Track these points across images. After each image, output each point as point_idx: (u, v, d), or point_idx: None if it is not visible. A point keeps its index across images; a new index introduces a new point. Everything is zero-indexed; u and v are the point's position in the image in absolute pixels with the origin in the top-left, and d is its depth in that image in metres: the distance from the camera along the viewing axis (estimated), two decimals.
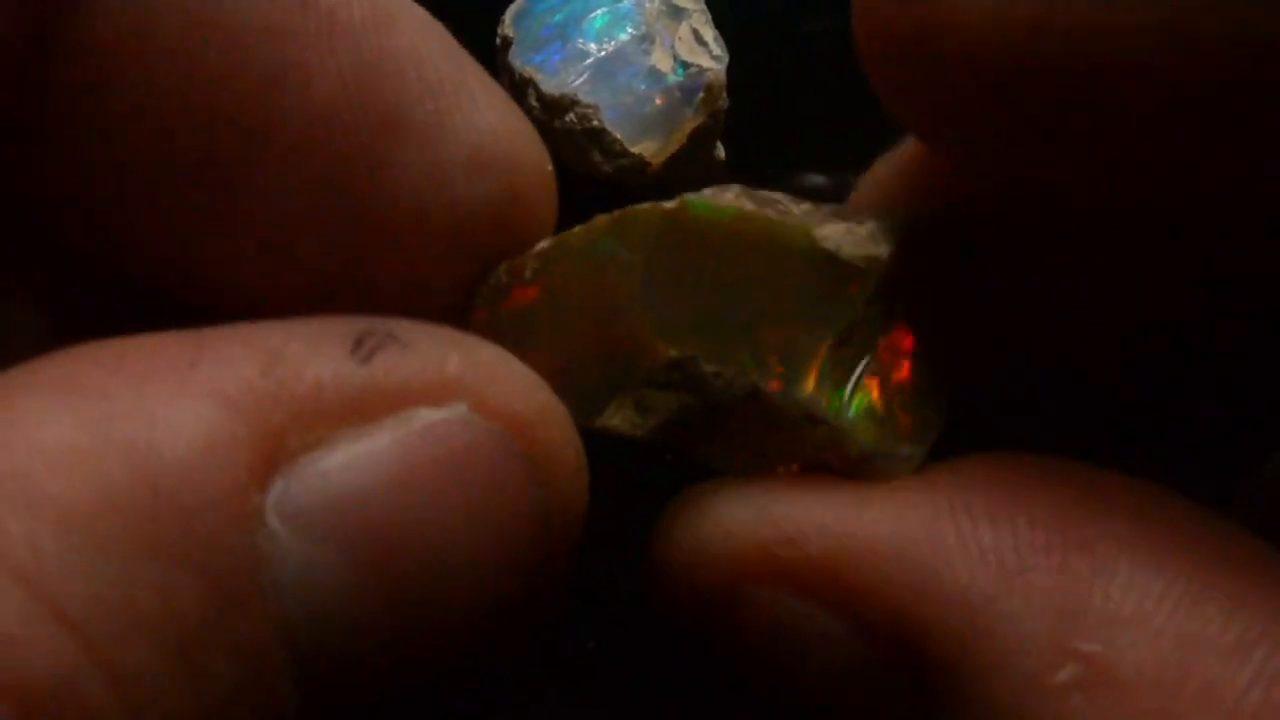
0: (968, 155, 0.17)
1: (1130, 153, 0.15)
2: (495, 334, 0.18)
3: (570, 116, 0.32)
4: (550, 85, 0.33)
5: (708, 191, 0.18)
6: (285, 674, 0.14)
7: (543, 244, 0.19)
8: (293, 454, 0.15)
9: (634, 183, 0.33)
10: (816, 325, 0.17)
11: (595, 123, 0.32)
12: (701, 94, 0.33)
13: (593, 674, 0.27)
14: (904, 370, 0.18)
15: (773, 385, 0.17)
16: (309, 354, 0.15)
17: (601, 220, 0.18)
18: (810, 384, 0.17)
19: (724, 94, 0.33)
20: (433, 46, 0.18)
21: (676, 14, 0.34)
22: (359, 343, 0.16)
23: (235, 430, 0.14)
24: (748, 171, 0.36)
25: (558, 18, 0.34)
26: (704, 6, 0.35)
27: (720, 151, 0.35)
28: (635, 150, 0.32)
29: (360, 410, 0.15)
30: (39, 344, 0.15)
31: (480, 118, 0.18)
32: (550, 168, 0.20)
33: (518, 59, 0.34)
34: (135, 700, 0.13)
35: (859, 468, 0.17)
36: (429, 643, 0.16)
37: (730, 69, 0.34)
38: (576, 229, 0.19)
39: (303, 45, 0.17)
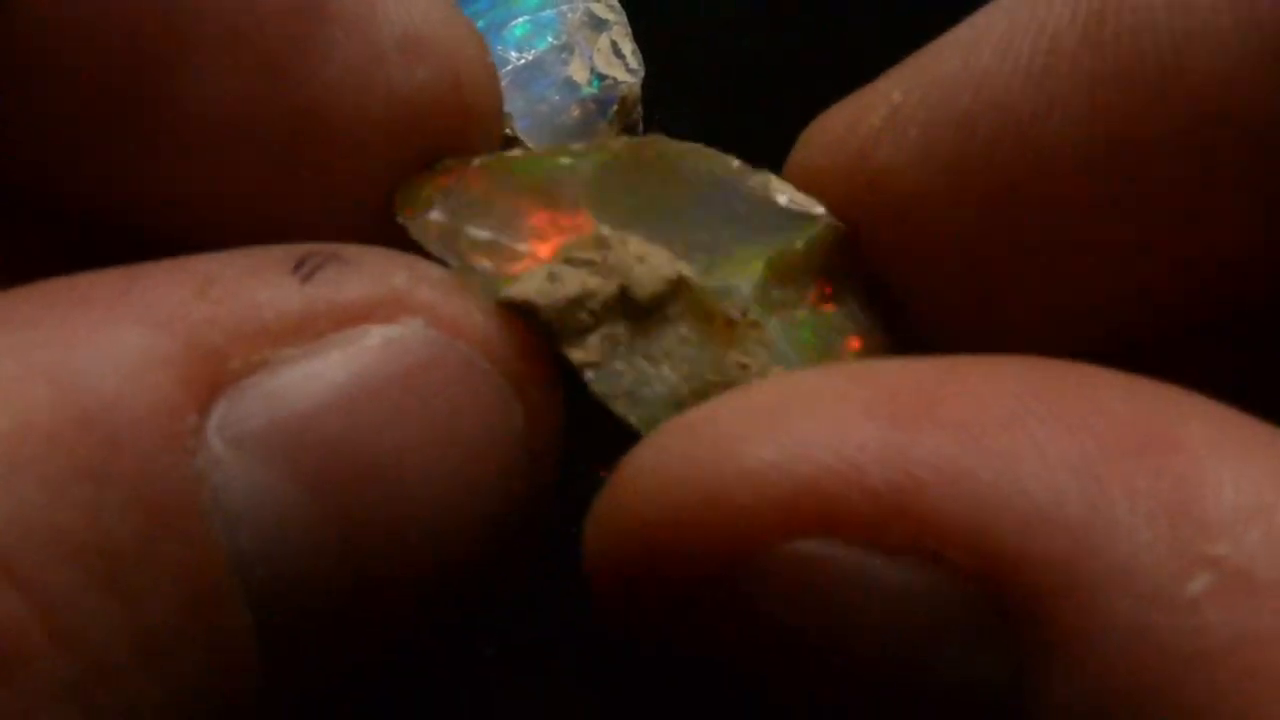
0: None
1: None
2: (425, 209, 0.17)
3: None
4: None
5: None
6: (239, 609, 0.13)
7: (488, 155, 0.18)
8: (235, 375, 0.14)
9: None
10: (752, 248, 0.17)
11: (509, 130, 0.32)
12: (616, 106, 0.33)
13: (576, 667, 0.26)
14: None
15: (697, 276, 0.17)
16: (246, 275, 0.15)
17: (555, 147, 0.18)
18: (739, 281, 0.16)
19: (639, 108, 0.33)
20: None
21: (598, 25, 0.34)
22: (299, 263, 0.15)
23: (166, 350, 0.14)
24: None
25: (480, 24, 0.34)
26: (625, 20, 0.35)
27: None
28: None
29: (305, 329, 0.15)
30: None
31: (413, 1, 0.17)
32: (490, 59, 0.19)
33: None
34: (63, 625, 0.12)
35: None
36: (397, 578, 0.15)
37: (651, 83, 0.34)
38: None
39: None
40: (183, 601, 0.13)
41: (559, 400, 0.17)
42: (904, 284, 0.17)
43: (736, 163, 0.18)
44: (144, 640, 0.13)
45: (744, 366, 0.16)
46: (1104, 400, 0.14)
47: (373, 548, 0.14)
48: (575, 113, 0.32)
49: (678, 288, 0.16)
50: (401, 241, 0.17)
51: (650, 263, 0.16)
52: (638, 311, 0.16)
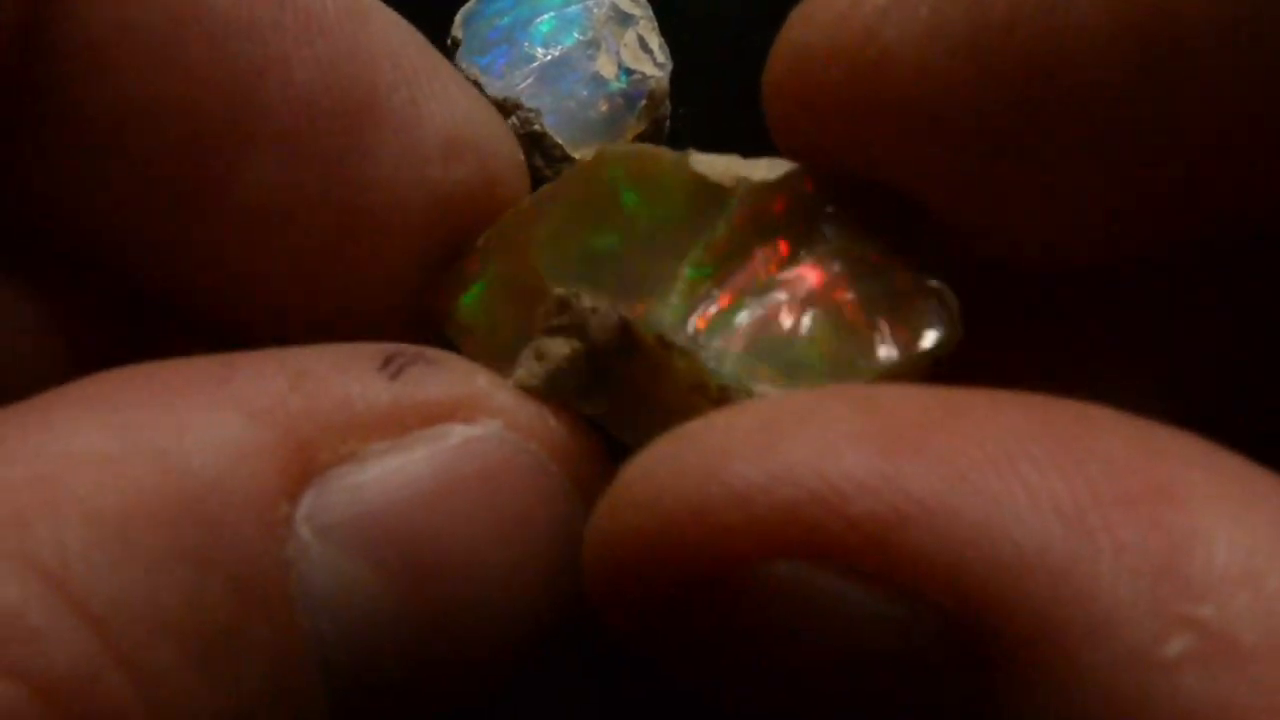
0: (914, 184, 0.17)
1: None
2: (450, 323, 0.19)
3: (513, 120, 0.32)
4: (495, 88, 0.33)
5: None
6: (316, 686, 0.14)
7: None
8: (324, 466, 0.15)
9: None
10: (681, 249, 0.17)
11: (537, 127, 0.32)
12: (644, 101, 0.33)
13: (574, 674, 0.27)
14: (795, 311, 0.17)
15: (637, 311, 0.17)
16: (338, 371, 0.16)
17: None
18: (670, 311, 0.16)
19: (666, 102, 0.33)
20: (404, 38, 0.19)
21: (624, 20, 0.34)
22: (388, 361, 0.16)
23: (264, 440, 0.14)
24: None
25: (505, 20, 0.34)
26: (651, 14, 0.35)
27: None
28: (576, 155, 0.32)
29: (392, 425, 0.15)
30: (41, 346, 0.16)
31: (453, 104, 0.19)
32: (521, 156, 0.20)
33: (464, 61, 0.34)
34: (159, 699, 0.13)
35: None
36: (461, 660, 0.15)
37: (679, 77, 0.34)
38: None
39: (282, 38, 0.17)
40: (268, 681, 0.14)
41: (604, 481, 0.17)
42: (911, 177, 0.17)
43: (670, 156, 0.18)
44: (232, 718, 0.13)
45: (697, 388, 0.17)
46: (1104, 445, 0.13)
47: (442, 633, 0.15)
48: (603, 108, 0.33)
49: (624, 331, 0.17)
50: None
51: (600, 313, 0.17)
52: (607, 360, 0.17)
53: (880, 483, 0.13)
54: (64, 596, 0.12)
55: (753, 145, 0.39)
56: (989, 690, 0.13)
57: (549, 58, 0.33)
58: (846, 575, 0.13)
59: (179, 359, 0.15)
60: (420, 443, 0.15)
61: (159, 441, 0.14)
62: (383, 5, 0.19)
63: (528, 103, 0.32)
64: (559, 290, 0.18)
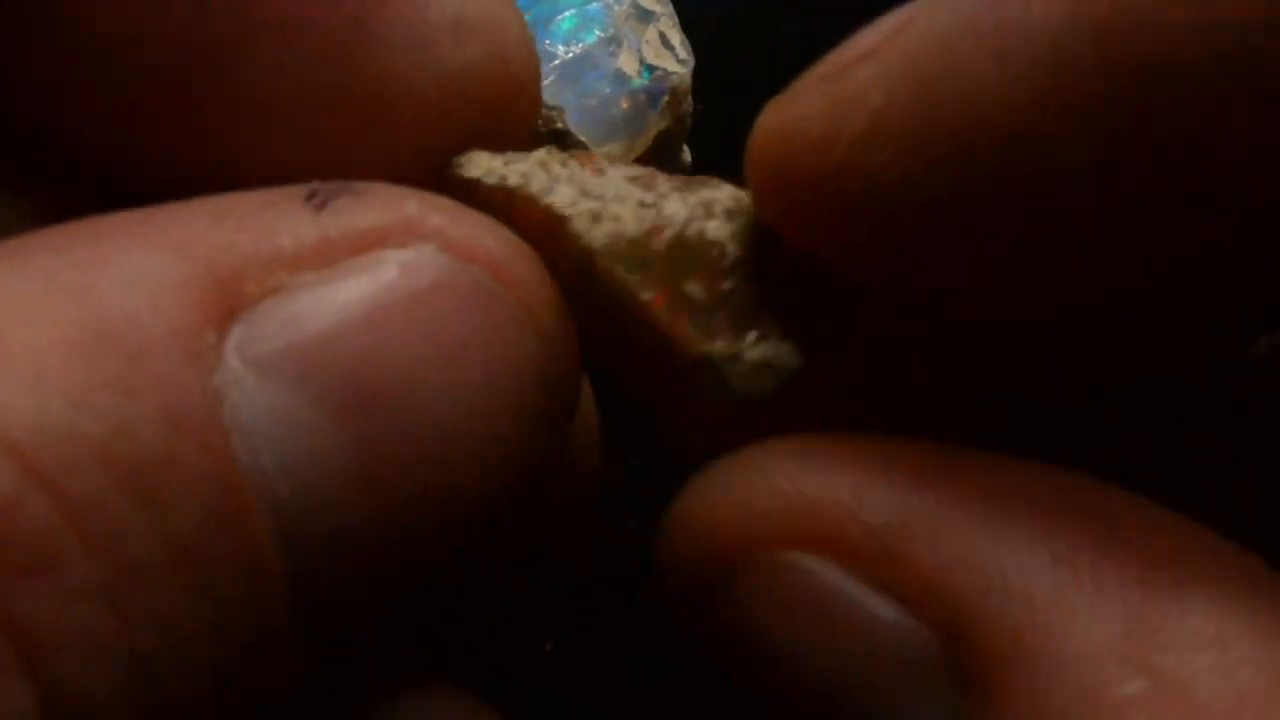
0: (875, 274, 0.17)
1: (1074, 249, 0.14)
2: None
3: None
4: None
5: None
6: (264, 525, 0.14)
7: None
8: (252, 299, 0.14)
9: None
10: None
11: (560, 125, 0.32)
12: (666, 98, 0.33)
13: (560, 669, 0.27)
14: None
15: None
16: (262, 207, 0.15)
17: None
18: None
19: (689, 98, 0.33)
20: None
21: (645, 17, 0.34)
22: (312, 194, 0.15)
23: (184, 271, 0.14)
24: (714, 175, 0.36)
25: (526, 18, 0.34)
26: (672, 10, 0.35)
27: (687, 155, 0.35)
28: (600, 153, 0.32)
29: (320, 255, 0.15)
30: None
31: None
32: (530, 37, 0.19)
33: None
34: (91, 525, 0.12)
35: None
36: (419, 500, 0.15)
37: (701, 73, 0.34)
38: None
39: None
40: (209, 511, 0.13)
41: (571, 328, 0.17)
42: (869, 287, 0.17)
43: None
44: (171, 545, 0.13)
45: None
46: (1119, 513, 0.14)
47: (391, 469, 0.14)
48: (625, 105, 0.33)
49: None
50: None
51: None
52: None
53: (899, 498, 0.15)
54: None
55: None
56: (968, 712, 0.14)
57: (570, 55, 0.33)
58: (850, 576, 0.15)
59: (106, 214, 0.15)
60: (350, 271, 0.15)
61: (74, 278, 0.13)
62: None
63: (550, 101, 0.32)
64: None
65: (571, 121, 0.32)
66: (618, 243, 0.17)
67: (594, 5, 0.34)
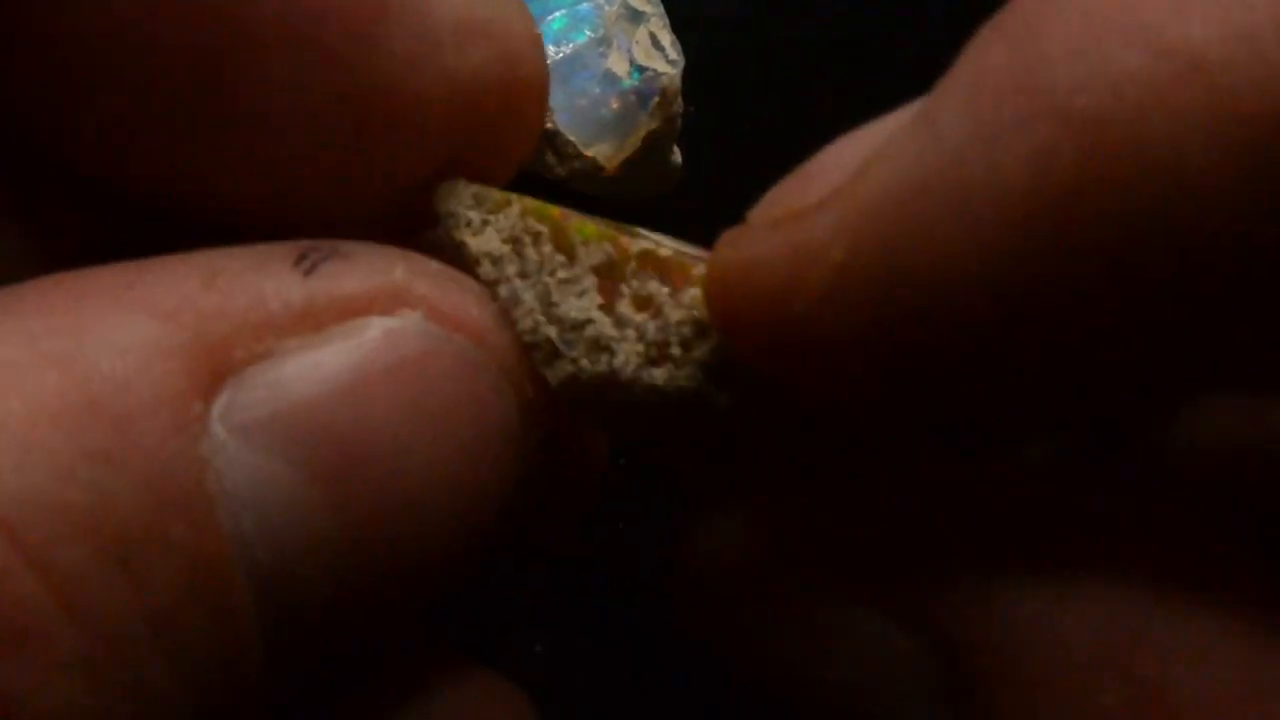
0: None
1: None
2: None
3: None
4: None
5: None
6: (242, 589, 0.14)
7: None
8: (239, 365, 0.14)
9: (587, 186, 0.33)
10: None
11: (549, 125, 0.32)
12: (656, 98, 0.33)
13: (541, 679, 0.27)
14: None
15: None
16: (250, 270, 0.15)
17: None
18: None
19: (679, 99, 0.33)
20: None
21: (635, 17, 0.34)
22: (301, 257, 0.15)
23: (172, 338, 0.14)
24: (705, 177, 0.36)
25: None
26: (663, 11, 0.35)
27: (677, 156, 0.35)
28: (589, 153, 0.32)
29: (308, 321, 0.15)
30: (32, 271, 0.15)
31: None
32: (539, 33, 0.19)
33: None
34: (75, 598, 0.13)
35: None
36: (397, 566, 0.15)
37: (691, 74, 0.34)
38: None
39: None
40: (189, 581, 0.13)
41: (550, 394, 0.17)
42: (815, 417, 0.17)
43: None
44: (153, 617, 0.13)
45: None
46: (1101, 522, 0.15)
47: (369, 533, 0.15)
48: (615, 105, 0.32)
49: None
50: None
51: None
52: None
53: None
54: None
55: (764, 141, 0.39)
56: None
57: (560, 55, 0.33)
58: (858, 607, 0.15)
59: (91, 267, 0.15)
60: (337, 338, 0.15)
61: (64, 346, 0.13)
62: None
63: None
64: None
65: (561, 122, 0.32)
66: (572, 383, 0.17)
67: (585, 5, 0.34)
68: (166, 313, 0.14)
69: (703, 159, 0.36)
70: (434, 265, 0.16)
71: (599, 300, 0.17)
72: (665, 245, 0.18)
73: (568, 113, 0.32)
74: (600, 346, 0.17)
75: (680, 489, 0.17)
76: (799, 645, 0.16)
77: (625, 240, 0.17)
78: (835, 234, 0.14)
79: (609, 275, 0.17)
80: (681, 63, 0.34)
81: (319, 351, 0.15)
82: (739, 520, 0.17)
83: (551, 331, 0.17)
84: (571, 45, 0.33)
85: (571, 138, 0.32)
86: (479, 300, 0.16)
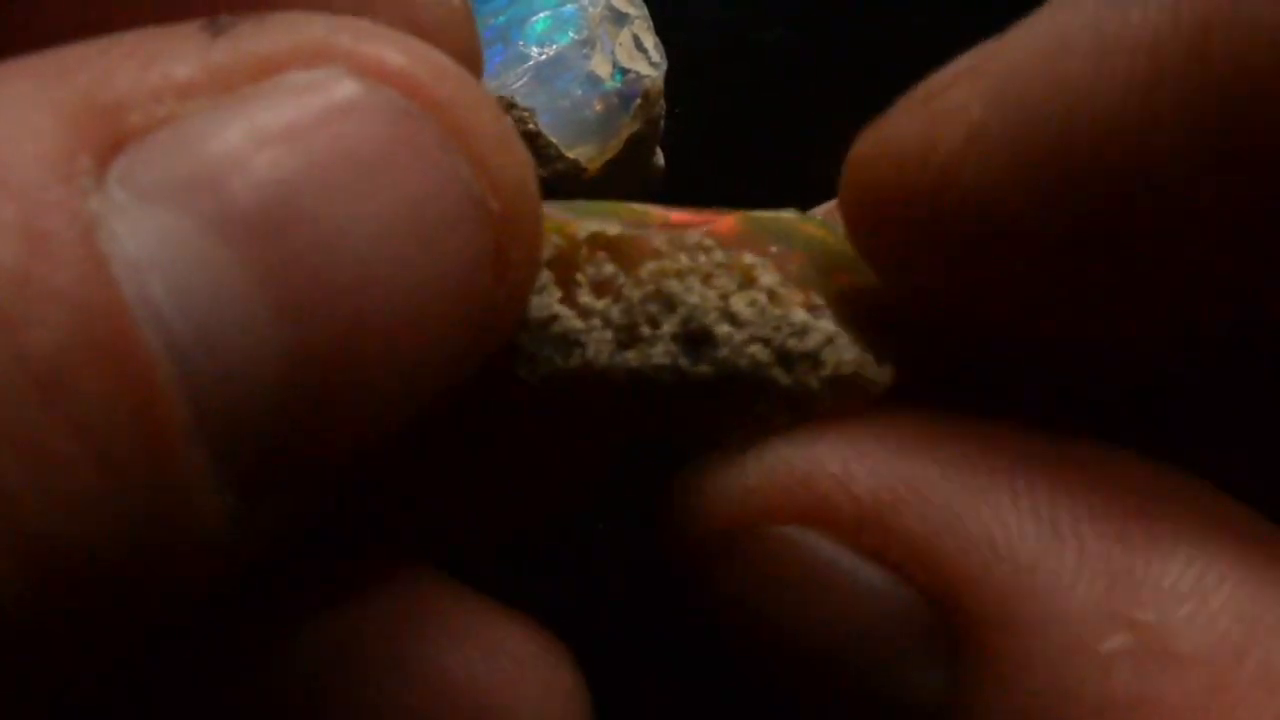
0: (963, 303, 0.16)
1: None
2: None
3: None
4: (489, 87, 0.33)
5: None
6: (155, 359, 0.12)
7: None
8: (140, 130, 0.13)
9: (570, 188, 0.33)
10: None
11: (531, 126, 0.32)
12: (639, 100, 0.33)
13: None
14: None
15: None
16: (154, 34, 0.14)
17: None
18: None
19: (661, 101, 0.33)
20: None
21: (619, 19, 0.34)
22: (210, 23, 0.14)
23: (58, 96, 0.13)
24: (687, 179, 0.36)
25: (500, 19, 0.34)
26: (646, 13, 0.35)
27: (659, 159, 0.35)
28: (571, 155, 0.32)
29: (217, 82, 0.13)
30: None
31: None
32: (478, 42, 0.18)
33: None
34: None
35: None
36: (342, 341, 0.13)
37: (674, 76, 0.34)
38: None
39: None
40: (74, 332, 0.12)
41: (526, 162, 0.15)
42: (984, 301, 0.16)
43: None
44: (33, 368, 0.12)
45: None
46: (1104, 471, 0.15)
47: (305, 301, 0.13)
48: (598, 107, 0.32)
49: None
50: None
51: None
52: None
53: (885, 468, 0.15)
54: None
55: (744, 144, 0.39)
56: (955, 683, 0.15)
57: (544, 57, 0.33)
58: (843, 546, 0.15)
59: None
60: (250, 96, 0.13)
61: None
62: None
63: (522, 102, 0.32)
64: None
65: (543, 123, 0.32)
66: (553, 383, 0.17)
67: (568, 7, 0.34)
68: (51, 74, 0.13)
69: (685, 161, 0.36)
70: (363, 21, 0.15)
71: (558, 294, 0.17)
72: (653, 212, 0.18)
73: (550, 114, 0.32)
74: (570, 341, 0.17)
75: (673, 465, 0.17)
76: (792, 598, 0.16)
77: (572, 227, 0.17)
78: (972, 95, 0.15)
79: (563, 266, 0.17)
80: (664, 65, 0.34)
81: (230, 110, 0.13)
82: (734, 467, 0.16)
83: (523, 337, 0.16)
84: (555, 47, 0.33)
85: (553, 139, 0.32)
86: (414, 51, 0.14)
